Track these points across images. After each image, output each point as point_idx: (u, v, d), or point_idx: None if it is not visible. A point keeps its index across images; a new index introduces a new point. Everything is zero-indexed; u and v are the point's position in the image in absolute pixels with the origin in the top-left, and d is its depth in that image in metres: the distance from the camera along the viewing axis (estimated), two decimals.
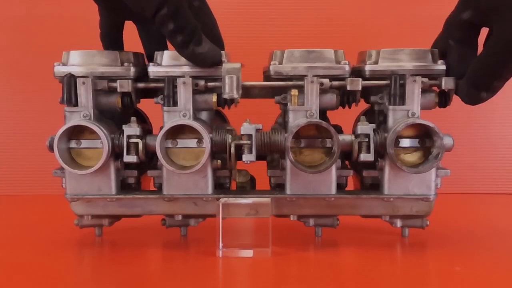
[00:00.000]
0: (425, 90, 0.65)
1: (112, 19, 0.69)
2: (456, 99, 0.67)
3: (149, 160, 0.68)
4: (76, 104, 0.65)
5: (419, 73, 0.64)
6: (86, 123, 0.64)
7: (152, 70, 0.65)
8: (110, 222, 0.70)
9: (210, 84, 0.65)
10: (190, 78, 0.64)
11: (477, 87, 0.61)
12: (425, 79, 0.64)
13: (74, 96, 0.64)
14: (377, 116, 0.68)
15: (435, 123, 0.63)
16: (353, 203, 0.67)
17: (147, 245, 0.69)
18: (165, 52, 0.65)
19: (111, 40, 0.70)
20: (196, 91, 0.65)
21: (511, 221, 0.86)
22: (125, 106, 0.67)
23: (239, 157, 0.64)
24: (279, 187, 0.68)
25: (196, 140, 0.65)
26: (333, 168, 0.65)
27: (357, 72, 0.66)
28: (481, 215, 0.90)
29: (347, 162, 0.70)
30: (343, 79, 0.65)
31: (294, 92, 0.64)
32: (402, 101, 0.64)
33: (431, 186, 0.66)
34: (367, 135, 0.64)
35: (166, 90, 0.65)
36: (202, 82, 0.65)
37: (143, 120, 0.73)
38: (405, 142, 0.65)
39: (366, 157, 0.64)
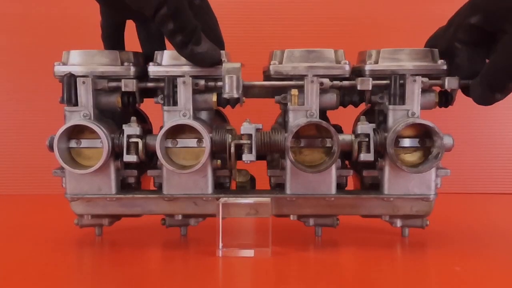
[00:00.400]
0: (425, 90, 0.65)
1: (113, 18, 0.69)
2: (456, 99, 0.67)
3: (149, 160, 0.68)
4: (76, 104, 0.65)
5: (419, 73, 0.64)
6: (86, 122, 0.64)
7: (152, 69, 0.65)
8: (110, 222, 0.70)
9: (210, 83, 0.65)
10: (190, 78, 0.64)
11: (491, 89, 0.61)
12: (425, 79, 0.64)
13: (74, 95, 0.64)
14: (377, 116, 0.68)
15: (435, 123, 0.63)
16: (353, 203, 0.67)
17: (147, 245, 0.69)
18: (165, 51, 0.65)
19: (113, 39, 0.70)
20: (196, 91, 0.65)
21: (511, 221, 0.86)
22: (125, 105, 0.67)
23: (239, 156, 0.64)
24: (279, 187, 0.68)
25: (196, 139, 0.65)
26: (333, 168, 0.65)
27: (357, 72, 0.66)
28: (481, 215, 0.90)
29: (347, 162, 0.70)
30: (343, 79, 0.65)
31: (294, 92, 0.64)
32: (402, 101, 0.64)
33: (431, 186, 0.66)
34: (367, 135, 0.64)
35: (166, 90, 0.65)
36: (202, 82, 0.65)
37: (143, 119, 0.73)
38: (405, 142, 0.65)
39: (366, 157, 0.64)
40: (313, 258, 0.65)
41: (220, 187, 0.69)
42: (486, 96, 0.62)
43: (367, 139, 0.64)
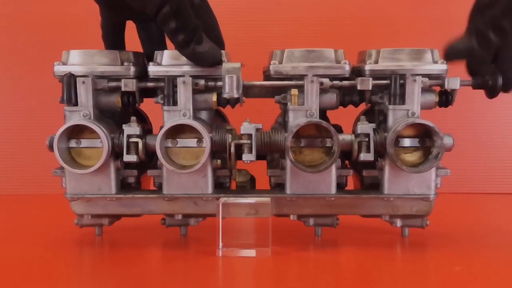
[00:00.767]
0: (425, 90, 0.65)
1: (113, 18, 0.69)
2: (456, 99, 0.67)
3: (149, 160, 0.68)
4: (76, 104, 0.65)
5: (419, 73, 0.64)
6: (86, 122, 0.64)
7: (152, 69, 0.65)
8: (110, 222, 0.70)
9: (210, 83, 0.65)
10: (190, 78, 0.64)
11: None
12: (425, 79, 0.64)
13: (74, 95, 0.64)
14: (377, 116, 0.68)
15: (435, 123, 0.63)
16: (353, 202, 0.67)
17: (147, 244, 0.69)
18: (165, 51, 0.65)
19: (113, 40, 0.70)
20: (196, 91, 0.65)
21: (511, 221, 0.86)
22: (125, 105, 0.67)
23: (239, 156, 0.64)
24: (279, 186, 0.68)
25: (196, 139, 0.65)
26: (333, 167, 0.65)
27: (357, 72, 0.66)
28: (481, 215, 0.90)
29: (347, 162, 0.70)
30: (343, 78, 0.65)
31: (294, 91, 0.64)
32: (402, 100, 0.64)
33: (431, 186, 0.66)
34: (367, 135, 0.64)
35: (166, 90, 0.65)
36: (202, 82, 0.65)
37: (143, 119, 0.73)
38: (405, 142, 0.65)
39: (366, 156, 0.64)
40: (313, 258, 0.65)
41: (220, 187, 0.69)
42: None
43: (367, 139, 0.64)
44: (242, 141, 0.63)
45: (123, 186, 0.69)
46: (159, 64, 0.65)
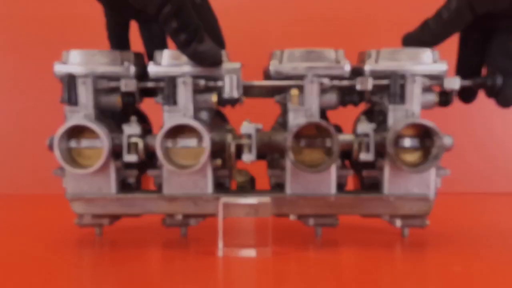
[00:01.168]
0: (425, 90, 0.65)
1: (116, 18, 0.69)
2: (456, 99, 0.67)
3: (149, 160, 0.68)
4: (76, 104, 0.65)
5: (419, 73, 0.64)
6: (86, 122, 0.64)
7: (152, 69, 0.65)
8: (110, 222, 0.70)
9: (210, 83, 0.65)
10: (191, 78, 0.64)
11: None
12: (425, 79, 0.64)
13: (74, 95, 0.64)
14: (377, 116, 0.68)
15: (435, 123, 0.63)
16: (353, 202, 0.67)
17: (147, 244, 0.69)
18: (165, 51, 0.65)
19: (118, 39, 0.70)
20: (196, 91, 0.65)
21: (511, 221, 0.86)
22: (125, 105, 0.67)
23: (239, 156, 0.64)
24: (279, 186, 0.68)
25: (196, 139, 0.65)
26: (333, 168, 0.66)
27: (357, 72, 0.66)
28: (481, 215, 0.90)
29: (347, 162, 0.70)
30: (343, 78, 0.65)
31: (294, 91, 0.65)
32: (402, 100, 0.64)
33: (431, 186, 0.66)
34: (367, 135, 0.64)
35: (166, 90, 0.65)
36: (202, 82, 0.65)
37: (143, 119, 0.73)
38: (405, 142, 0.65)
39: (366, 156, 0.64)
40: (313, 258, 0.65)
41: (220, 187, 0.69)
42: None
43: (367, 139, 0.64)
44: (242, 141, 0.63)
45: (123, 186, 0.69)
46: (159, 64, 0.65)
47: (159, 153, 0.63)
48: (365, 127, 0.64)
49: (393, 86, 0.64)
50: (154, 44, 0.69)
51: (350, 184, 0.71)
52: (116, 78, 0.65)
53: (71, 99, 0.64)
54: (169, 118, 0.65)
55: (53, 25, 1.07)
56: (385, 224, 0.70)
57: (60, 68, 0.65)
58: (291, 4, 1.09)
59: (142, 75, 0.66)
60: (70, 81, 0.64)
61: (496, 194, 1.07)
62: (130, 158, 0.64)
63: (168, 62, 0.65)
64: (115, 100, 0.66)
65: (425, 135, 0.65)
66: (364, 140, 0.64)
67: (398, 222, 0.69)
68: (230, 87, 0.63)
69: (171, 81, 0.65)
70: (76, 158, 0.66)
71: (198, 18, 0.61)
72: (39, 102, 1.06)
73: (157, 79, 0.65)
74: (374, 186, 0.68)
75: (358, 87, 0.64)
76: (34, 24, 1.08)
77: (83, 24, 1.02)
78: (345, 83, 0.65)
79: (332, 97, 0.66)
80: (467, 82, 0.65)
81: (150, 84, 0.66)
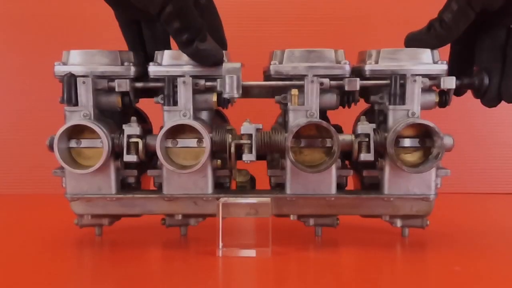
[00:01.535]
0: (425, 90, 0.65)
1: (122, 17, 0.69)
2: (456, 99, 0.67)
3: (149, 160, 0.68)
4: (76, 104, 0.65)
5: (419, 73, 0.64)
6: (86, 122, 0.64)
7: (152, 69, 0.65)
8: (110, 222, 0.70)
9: (210, 83, 0.65)
10: (190, 78, 0.64)
11: None
12: (425, 79, 0.64)
13: (74, 95, 0.64)
14: (377, 116, 0.68)
15: (435, 123, 0.63)
16: (353, 203, 0.67)
17: (147, 244, 0.69)
18: (166, 51, 0.65)
19: (129, 38, 0.70)
20: (196, 91, 0.65)
21: (511, 221, 0.86)
22: (125, 105, 0.67)
23: (239, 156, 0.64)
24: (279, 186, 0.68)
25: (196, 139, 0.65)
26: (333, 168, 0.65)
27: (357, 72, 0.66)
28: (481, 215, 0.90)
29: (347, 162, 0.70)
30: (343, 79, 0.65)
31: (294, 92, 0.64)
32: (402, 101, 0.64)
33: (431, 186, 0.66)
34: (367, 135, 0.64)
35: (166, 90, 0.65)
36: (202, 82, 0.65)
37: (143, 119, 0.73)
38: (405, 142, 0.65)
39: (366, 157, 0.64)
40: (313, 258, 0.65)
41: (220, 187, 0.69)
42: None
43: (367, 139, 0.64)
44: (242, 141, 0.63)
45: (123, 186, 0.69)
46: (160, 64, 0.65)
47: (159, 153, 0.63)
48: (365, 127, 0.64)
49: (393, 86, 0.64)
50: (157, 44, 0.68)
51: (350, 184, 0.71)
52: (116, 78, 0.65)
53: (71, 99, 0.64)
54: (169, 118, 0.65)
55: (53, 25, 1.07)
56: (385, 224, 0.70)
57: (60, 68, 0.65)
58: (291, 4, 1.09)
59: (142, 75, 0.66)
60: (70, 81, 0.64)
61: (496, 194, 1.07)
62: (130, 158, 0.64)
63: (168, 62, 0.65)
64: (115, 100, 0.66)
65: (425, 135, 0.65)
66: (364, 140, 0.64)
67: (399, 222, 0.69)
68: (230, 87, 0.63)
69: (171, 81, 0.64)
70: (76, 158, 0.66)
71: (202, 18, 0.61)
72: (39, 102, 1.06)
73: (157, 79, 0.65)
74: (374, 186, 0.68)
75: (346, 87, 0.64)
76: (34, 24, 1.07)
77: (83, 24, 1.02)
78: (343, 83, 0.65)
79: (332, 97, 0.66)
80: (457, 83, 0.65)
81: (150, 84, 0.66)
